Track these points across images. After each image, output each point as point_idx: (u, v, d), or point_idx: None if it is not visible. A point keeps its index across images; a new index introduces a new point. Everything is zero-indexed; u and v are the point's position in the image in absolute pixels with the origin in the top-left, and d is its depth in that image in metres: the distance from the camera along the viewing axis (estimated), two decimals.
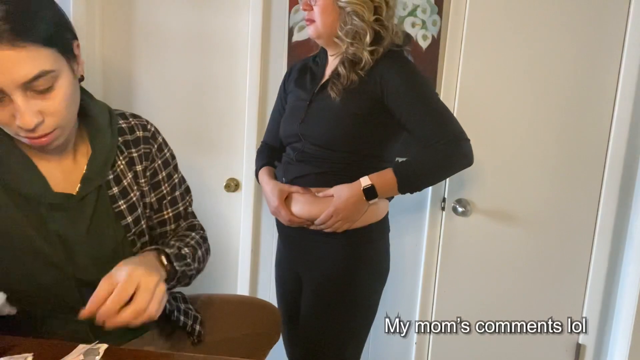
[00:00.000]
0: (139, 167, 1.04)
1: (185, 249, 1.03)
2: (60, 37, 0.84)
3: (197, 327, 1.14)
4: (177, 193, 1.13)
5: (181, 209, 1.14)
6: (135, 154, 1.04)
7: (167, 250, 0.97)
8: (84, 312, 0.79)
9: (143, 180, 1.05)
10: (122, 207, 1.00)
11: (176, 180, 1.13)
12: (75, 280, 0.94)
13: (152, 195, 1.08)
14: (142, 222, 1.04)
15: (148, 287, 0.82)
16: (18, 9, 0.77)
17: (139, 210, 1.03)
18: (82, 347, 0.84)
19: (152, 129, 1.10)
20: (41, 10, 0.81)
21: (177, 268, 0.97)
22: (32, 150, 0.91)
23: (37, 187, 0.90)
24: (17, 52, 0.76)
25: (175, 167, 1.14)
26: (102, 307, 0.78)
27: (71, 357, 0.81)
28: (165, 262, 0.95)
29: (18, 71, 0.77)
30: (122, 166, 1.01)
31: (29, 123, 0.80)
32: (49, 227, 0.91)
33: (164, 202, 1.10)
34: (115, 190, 1.00)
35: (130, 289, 0.80)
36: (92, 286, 0.82)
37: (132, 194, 1.02)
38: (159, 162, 1.09)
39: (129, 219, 1.01)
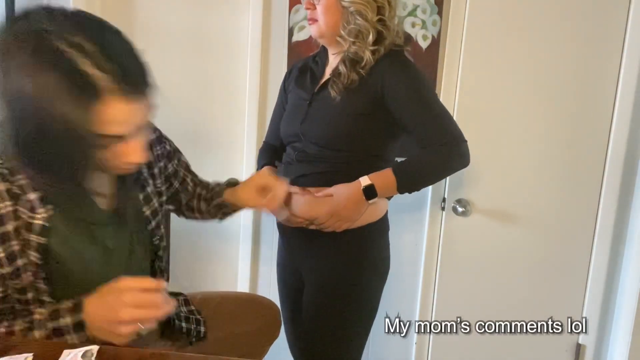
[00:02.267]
0: (156, 170, 1.09)
1: None
2: None
3: (202, 329, 1.15)
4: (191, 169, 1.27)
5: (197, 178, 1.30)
6: (151, 158, 1.08)
7: None
8: None
9: (159, 181, 1.10)
10: (147, 213, 1.04)
11: (187, 161, 1.26)
12: None
13: (179, 185, 1.21)
14: (162, 226, 1.09)
15: None
16: (140, 59, 0.85)
17: (160, 215, 1.08)
18: (69, 352, 0.83)
19: (157, 128, 1.14)
20: None
21: None
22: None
23: (91, 210, 0.92)
24: (143, 102, 0.83)
25: (179, 150, 1.24)
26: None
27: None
28: None
29: (143, 117, 0.84)
30: (145, 173, 1.05)
31: (141, 159, 0.86)
32: (99, 243, 0.94)
33: (187, 179, 1.24)
34: (141, 197, 1.03)
35: None
36: None
37: (154, 200, 1.06)
38: (173, 158, 1.19)
39: (153, 223, 1.05)
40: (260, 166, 1.54)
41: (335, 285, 1.39)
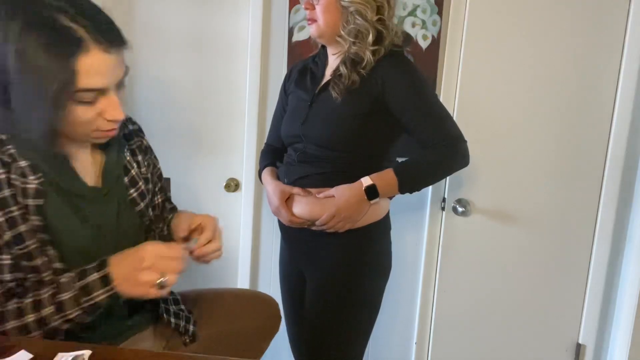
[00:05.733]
0: (139, 157, 1.11)
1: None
2: None
3: (191, 327, 1.15)
4: (162, 180, 1.22)
5: (166, 194, 1.23)
6: (134, 146, 1.11)
7: None
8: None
9: (144, 169, 1.12)
10: (134, 195, 1.05)
11: (160, 170, 1.21)
12: None
13: (150, 184, 1.15)
14: (150, 209, 1.10)
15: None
16: (110, 18, 0.89)
17: (148, 198, 1.09)
18: (62, 355, 0.83)
19: (137, 122, 1.16)
20: None
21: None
22: (66, 148, 0.97)
23: (76, 182, 0.95)
24: (118, 56, 0.88)
25: (156, 158, 1.21)
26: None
27: None
28: None
29: (119, 72, 0.89)
30: (128, 157, 1.07)
31: (121, 114, 0.90)
32: (85, 218, 0.95)
33: (156, 189, 1.18)
34: (126, 180, 1.05)
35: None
36: None
37: (140, 183, 1.08)
38: (149, 153, 1.17)
39: (142, 205, 1.07)
40: (262, 167, 1.55)
41: (337, 285, 1.39)
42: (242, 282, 1.96)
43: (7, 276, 0.87)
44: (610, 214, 1.80)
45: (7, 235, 0.85)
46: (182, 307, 1.18)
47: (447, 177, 1.78)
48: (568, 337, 1.91)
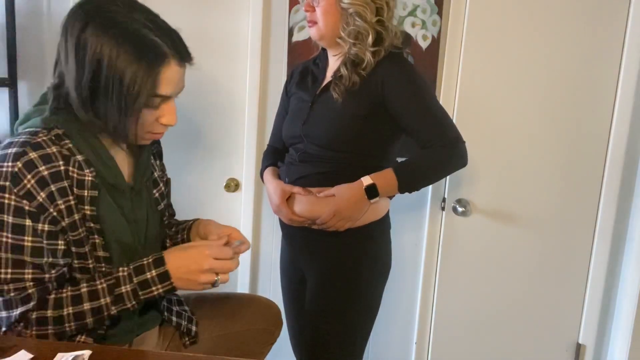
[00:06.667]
0: (158, 162, 1.20)
1: None
2: None
3: (193, 328, 1.17)
4: (168, 186, 1.28)
5: (169, 201, 1.29)
6: (155, 151, 1.20)
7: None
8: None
9: (160, 173, 1.19)
10: (156, 195, 1.14)
11: (167, 176, 1.27)
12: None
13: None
14: (166, 210, 1.19)
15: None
16: (180, 36, 0.98)
17: (165, 200, 1.18)
18: (62, 355, 0.83)
19: None
20: None
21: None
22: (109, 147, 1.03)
23: (120, 178, 1.02)
24: (184, 70, 0.98)
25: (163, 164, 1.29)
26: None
27: None
28: None
29: (183, 83, 1.00)
30: (152, 160, 1.16)
31: (175, 120, 1.01)
32: (124, 212, 1.02)
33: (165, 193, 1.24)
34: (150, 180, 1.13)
35: None
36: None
37: (161, 185, 1.17)
38: (162, 159, 1.25)
39: (162, 205, 1.16)
40: (263, 167, 1.55)
41: (337, 284, 1.39)
42: (242, 281, 1.96)
43: (61, 260, 0.93)
44: (610, 214, 1.80)
45: (65, 222, 0.92)
46: (186, 307, 1.20)
47: (447, 177, 1.78)
48: (568, 337, 1.91)
